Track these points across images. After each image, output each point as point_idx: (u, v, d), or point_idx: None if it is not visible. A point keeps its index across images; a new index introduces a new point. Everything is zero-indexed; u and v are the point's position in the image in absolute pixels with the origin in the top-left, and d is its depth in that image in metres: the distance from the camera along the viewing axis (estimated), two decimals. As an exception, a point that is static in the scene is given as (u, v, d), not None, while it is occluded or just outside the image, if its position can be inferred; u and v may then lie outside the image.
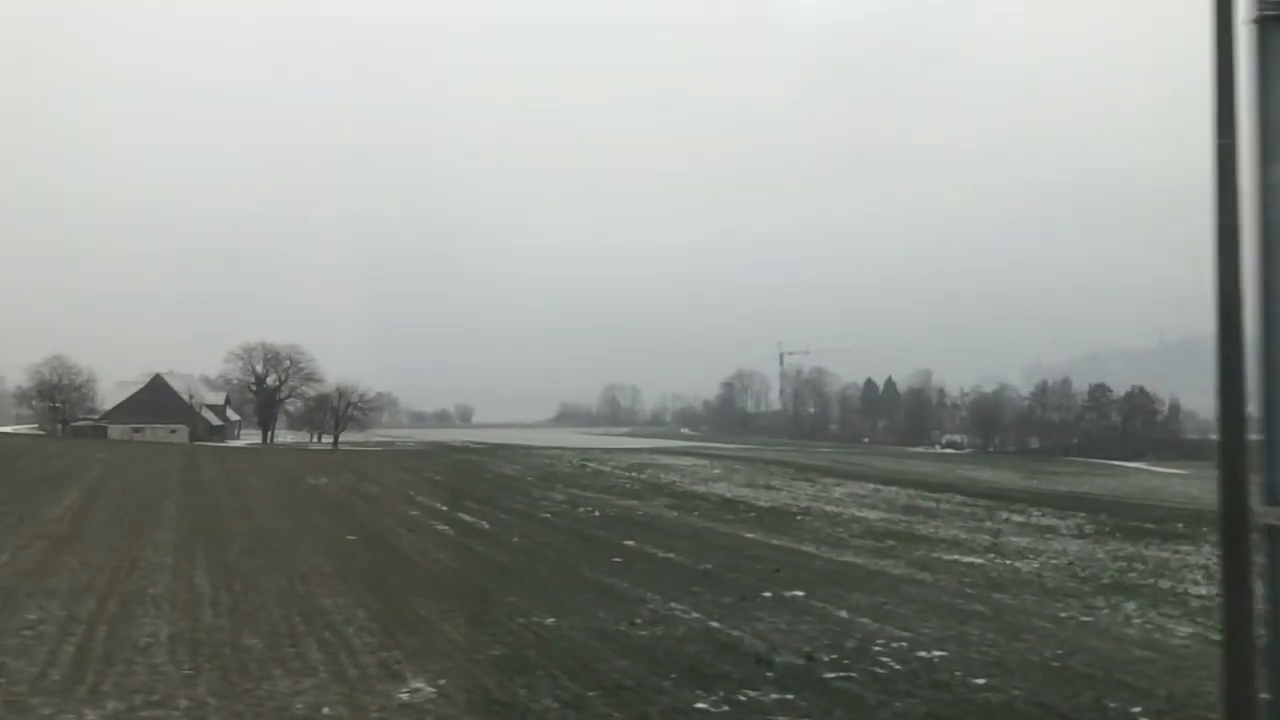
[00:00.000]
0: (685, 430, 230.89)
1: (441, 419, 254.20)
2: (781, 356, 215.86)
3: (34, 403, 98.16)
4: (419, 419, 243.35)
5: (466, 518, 33.83)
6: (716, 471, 62.03)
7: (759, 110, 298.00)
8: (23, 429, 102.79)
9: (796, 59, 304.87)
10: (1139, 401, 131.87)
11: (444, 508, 35.33)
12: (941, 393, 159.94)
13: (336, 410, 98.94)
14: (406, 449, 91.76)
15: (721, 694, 9.97)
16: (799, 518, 35.71)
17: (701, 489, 53.17)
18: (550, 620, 14.04)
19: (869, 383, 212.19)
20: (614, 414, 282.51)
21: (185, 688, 9.98)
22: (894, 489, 50.72)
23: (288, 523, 28.90)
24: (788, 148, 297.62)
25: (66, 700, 9.44)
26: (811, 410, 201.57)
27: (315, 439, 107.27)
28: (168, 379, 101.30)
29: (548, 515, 34.76)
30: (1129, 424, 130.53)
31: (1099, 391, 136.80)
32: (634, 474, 62.25)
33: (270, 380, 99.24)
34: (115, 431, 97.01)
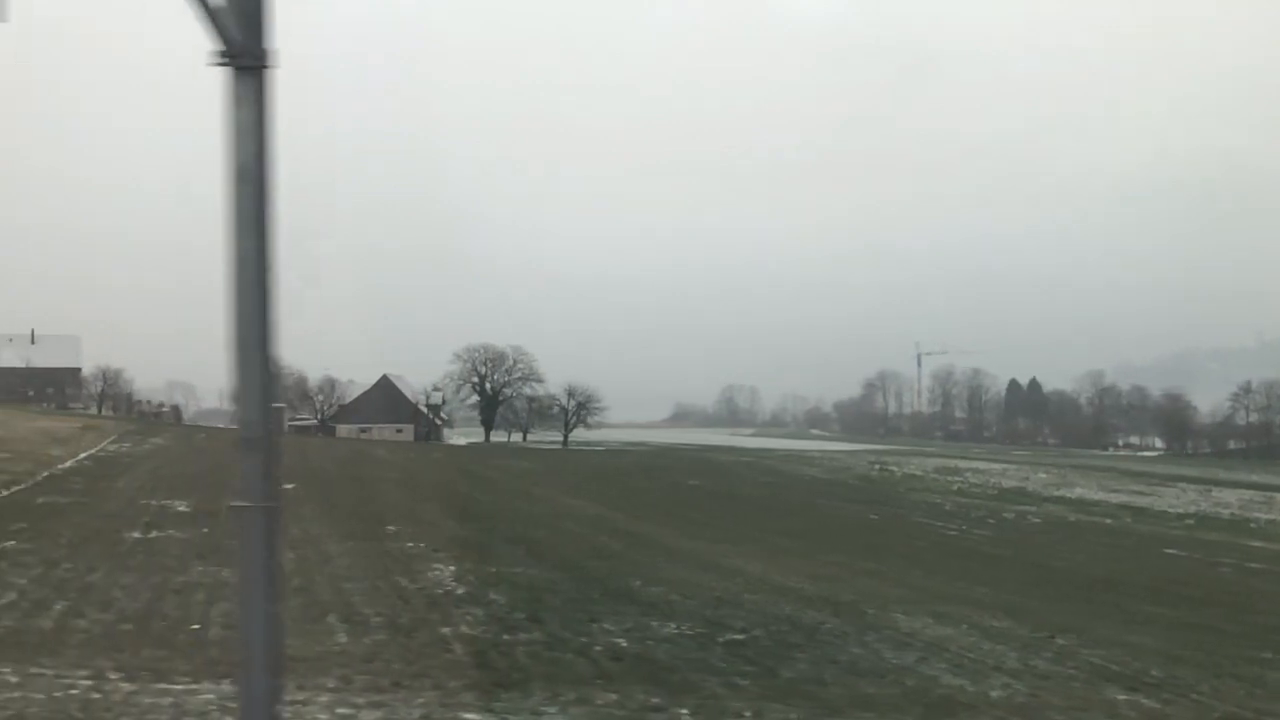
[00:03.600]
0: (815, 431, 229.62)
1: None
2: (919, 357, 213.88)
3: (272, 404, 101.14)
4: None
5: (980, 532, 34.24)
6: (1044, 476, 61.41)
7: (874, 110, 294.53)
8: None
9: (896, 50, 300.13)
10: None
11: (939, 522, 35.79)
12: (1117, 393, 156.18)
13: (566, 410, 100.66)
14: (636, 451, 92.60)
15: None
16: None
17: (1068, 494, 52.70)
18: None
19: (1013, 383, 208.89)
20: (732, 414, 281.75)
21: None
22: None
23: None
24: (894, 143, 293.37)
25: None
26: (957, 412, 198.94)
27: (515, 438, 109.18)
28: (394, 380, 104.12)
29: (1016, 527, 35.05)
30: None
31: None
32: (951, 477, 62.05)
33: (494, 380, 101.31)
34: (343, 431, 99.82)
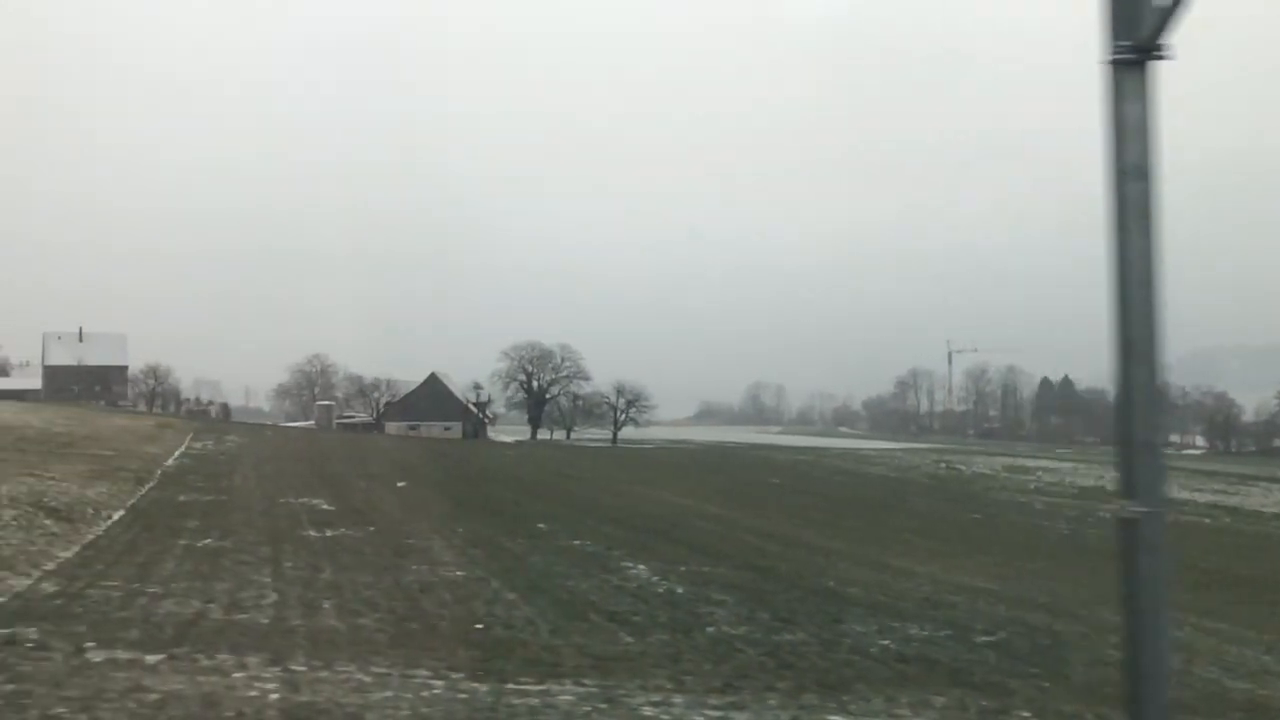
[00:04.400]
0: (844, 429, 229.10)
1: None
2: (950, 355, 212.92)
3: (319, 402, 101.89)
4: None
5: (1094, 532, 33.83)
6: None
7: (899, 107, 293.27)
8: (289, 425, 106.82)
9: (927, 48, 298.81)
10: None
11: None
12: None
13: (616, 408, 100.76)
14: (688, 449, 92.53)
15: None
16: None
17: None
18: None
19: (1045, 381, 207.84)
20: (758, 412, 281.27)
21: None
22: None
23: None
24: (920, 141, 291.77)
25: None
26: (989, 410, 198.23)
27: (557, 435, 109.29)
28: (442, 378, 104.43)
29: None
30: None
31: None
32: (1023, 476, 61.72)
33: (541, 378, 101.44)
34: (391, 429, 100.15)
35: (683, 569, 18.81)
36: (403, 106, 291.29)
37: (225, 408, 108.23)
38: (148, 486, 29.23)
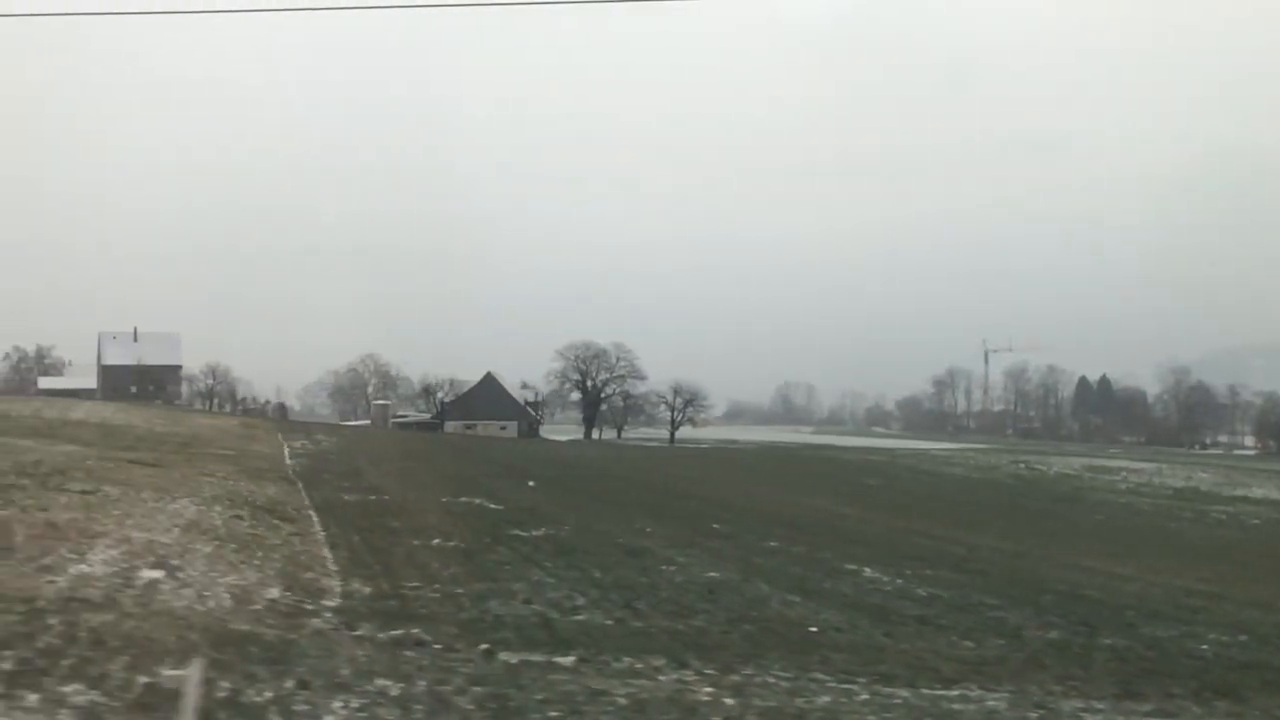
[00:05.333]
0: (877, 429, 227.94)
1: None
2: (986, 354, 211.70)
3: (375, 401, 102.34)
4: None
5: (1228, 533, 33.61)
6: (1205, 475, 60.48)
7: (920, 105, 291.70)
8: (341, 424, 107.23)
9: (943, 48, 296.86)
10: None
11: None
12: (1205, 390, 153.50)
13: (673, 408, 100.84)
14: (748, 449, 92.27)
15: None
16: None
17: (1250, 494, 51.80)
18: None
19: (1082, 380, 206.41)
20: (788, 412, 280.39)
21: None
22: None
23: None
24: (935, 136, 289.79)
25: None
26: (1029, 410, 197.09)
27: (606, 434, 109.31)
28: (497, 378, 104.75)
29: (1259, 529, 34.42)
30: None
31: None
32: (1108, 477, 61.23)
33: (596, 378, 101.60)
34: (449, 428, 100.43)
35: (908, 572, 18.74)
36: (432, 109, 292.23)
37: (282, 407, 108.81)
38: (300, 486, 29.36)
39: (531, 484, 35.13)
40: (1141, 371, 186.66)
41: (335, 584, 13.63)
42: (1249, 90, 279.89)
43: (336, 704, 7.51)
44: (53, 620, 8.89)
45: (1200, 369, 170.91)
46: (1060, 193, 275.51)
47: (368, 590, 13.42)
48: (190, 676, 5.56)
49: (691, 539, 21.74)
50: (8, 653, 7.63)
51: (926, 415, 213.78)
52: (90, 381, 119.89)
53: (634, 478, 42.29)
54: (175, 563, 12.71)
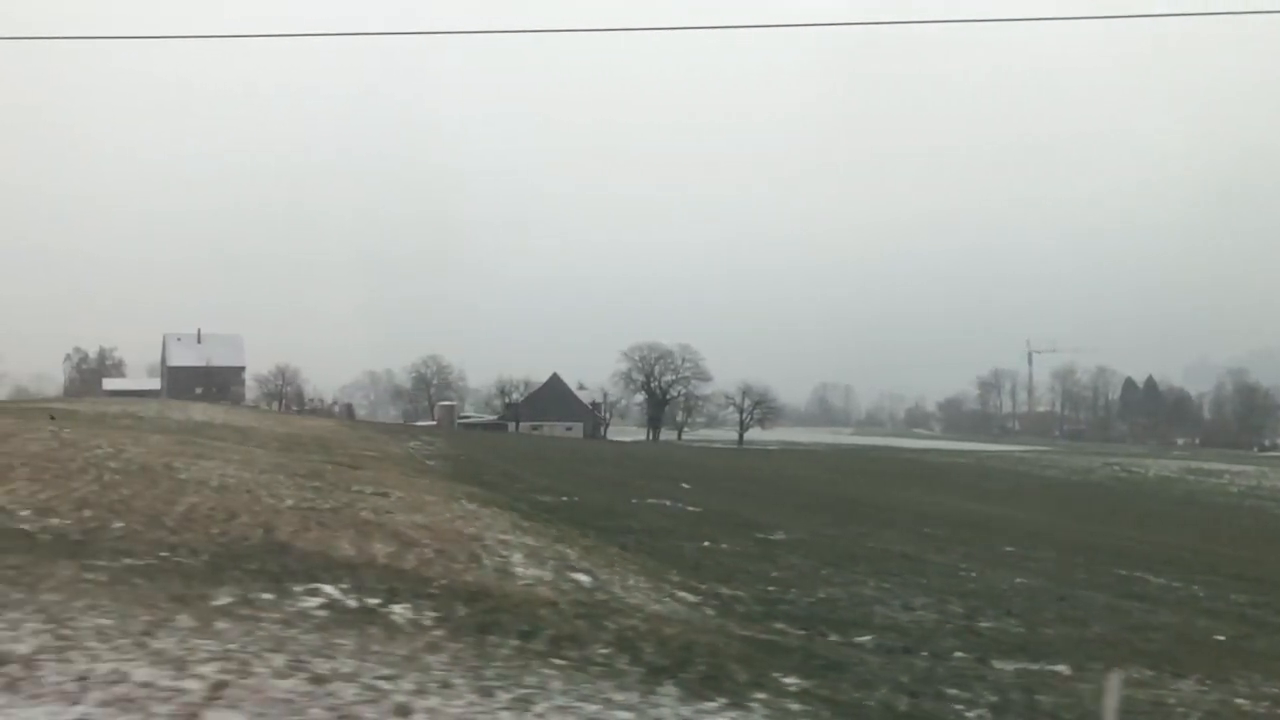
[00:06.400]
0: (918, 430, 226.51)
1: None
2: (1030, 355, 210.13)
3: (440, 402, 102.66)
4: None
5: None
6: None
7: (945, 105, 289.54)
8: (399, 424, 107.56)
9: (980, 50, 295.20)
10: None
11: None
12: (1265, 392, 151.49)
13: (742, 409, 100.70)
14: (815, 451, 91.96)
15: None
16: None
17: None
18: None
19: (1129, 381, 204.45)
20: (824, 413, 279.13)
21: None
22: None
23: None
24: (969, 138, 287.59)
25: None
26: (1071, 411, 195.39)
27: (666, 435, 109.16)
28: (563, 378, 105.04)
29: None
30: None
31: None
32: (1213, 479, 60.60)
33: (662, 379, 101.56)
34: (513, 427, 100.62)
35: (1200, 581, 18.51)
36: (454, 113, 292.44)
37: (349, 408, 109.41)
38: (489, 492, 29.43)
39: (686, 485, 35.13)
40: (1170, 372, 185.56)
41: (699, 586, 13.60)
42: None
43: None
44: (608, 623, 8.86)
45: (1237, 370, 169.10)
46: (1083, 194, 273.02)
47: (734, 592, 13.37)
48: (1111, 682, 5.57)
49: (926, 545, 21.61)
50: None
51: (969, 417, 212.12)
52: (151, 383, 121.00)
53: (774, 481, 42.13)
54: (584, 565, 12.74)
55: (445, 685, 6.06)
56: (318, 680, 5.76)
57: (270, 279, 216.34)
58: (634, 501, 27.25)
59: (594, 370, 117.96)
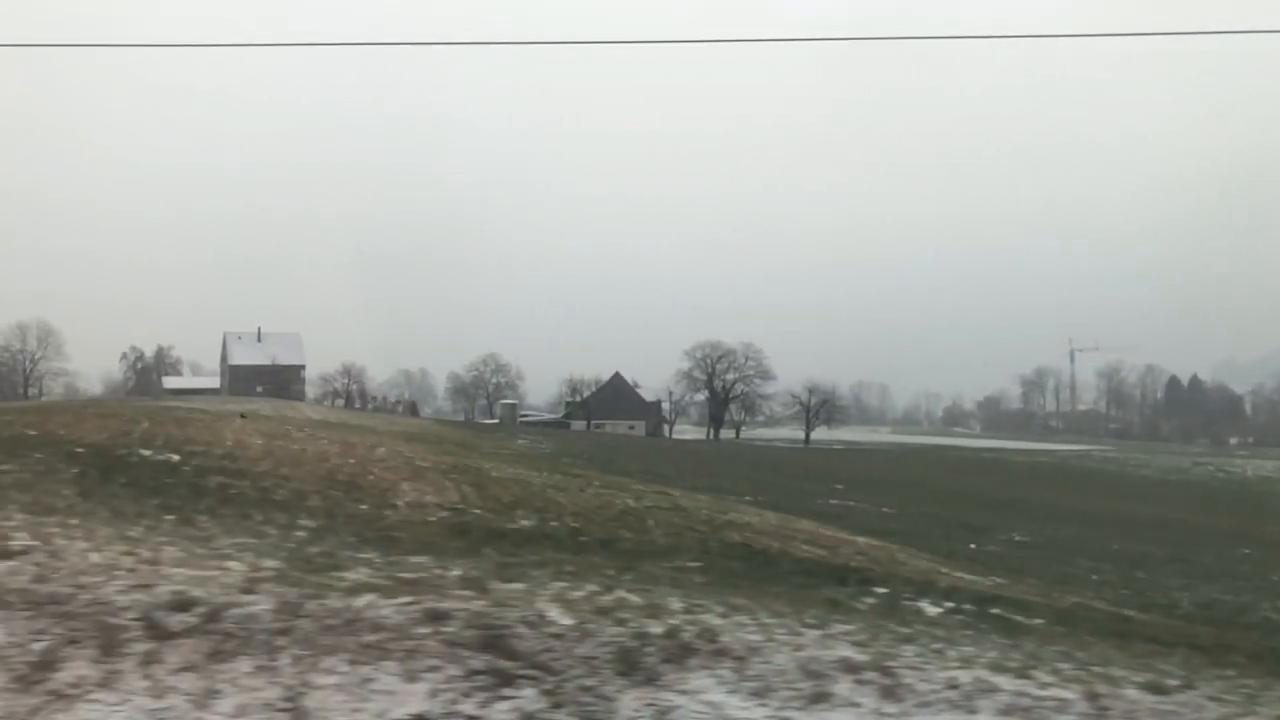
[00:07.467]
0: (957, 429, 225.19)
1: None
2: (1072, 353, 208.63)
3: (500, 403, 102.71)
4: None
5: None
6: None
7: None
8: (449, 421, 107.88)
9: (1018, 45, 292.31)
10: None
11: None
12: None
13: (808, 408, 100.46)
14: (886, 450, 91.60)
15: None
16: None
17: None
18: None
19: (1173, 380, 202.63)
20: (860, 412, 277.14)
21: None
22: None
23: None
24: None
25: None
26: (1112, 409, 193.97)
27: (724, 434, 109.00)
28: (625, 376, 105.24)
29: None
30: None
31: None
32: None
33: (726, 377, 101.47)
34: (575, 426, 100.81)
35: None
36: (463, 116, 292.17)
37: (413, 405, 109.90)
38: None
39: (839, 487, 35.15)
40: (1199, 371, 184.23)
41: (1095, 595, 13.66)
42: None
43: None
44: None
45: (1260, 369, 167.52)
46: (1101, 195, 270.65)
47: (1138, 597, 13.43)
48: None
49: (1162, 547, 21.54)
50: None
51: (1010, 416, 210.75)
52: (209, 381, 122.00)
53: (913, 483, 41.95)
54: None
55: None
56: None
57: (288, 281, 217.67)
58: (819, 503, 27.30)
59: (649, 369, 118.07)
